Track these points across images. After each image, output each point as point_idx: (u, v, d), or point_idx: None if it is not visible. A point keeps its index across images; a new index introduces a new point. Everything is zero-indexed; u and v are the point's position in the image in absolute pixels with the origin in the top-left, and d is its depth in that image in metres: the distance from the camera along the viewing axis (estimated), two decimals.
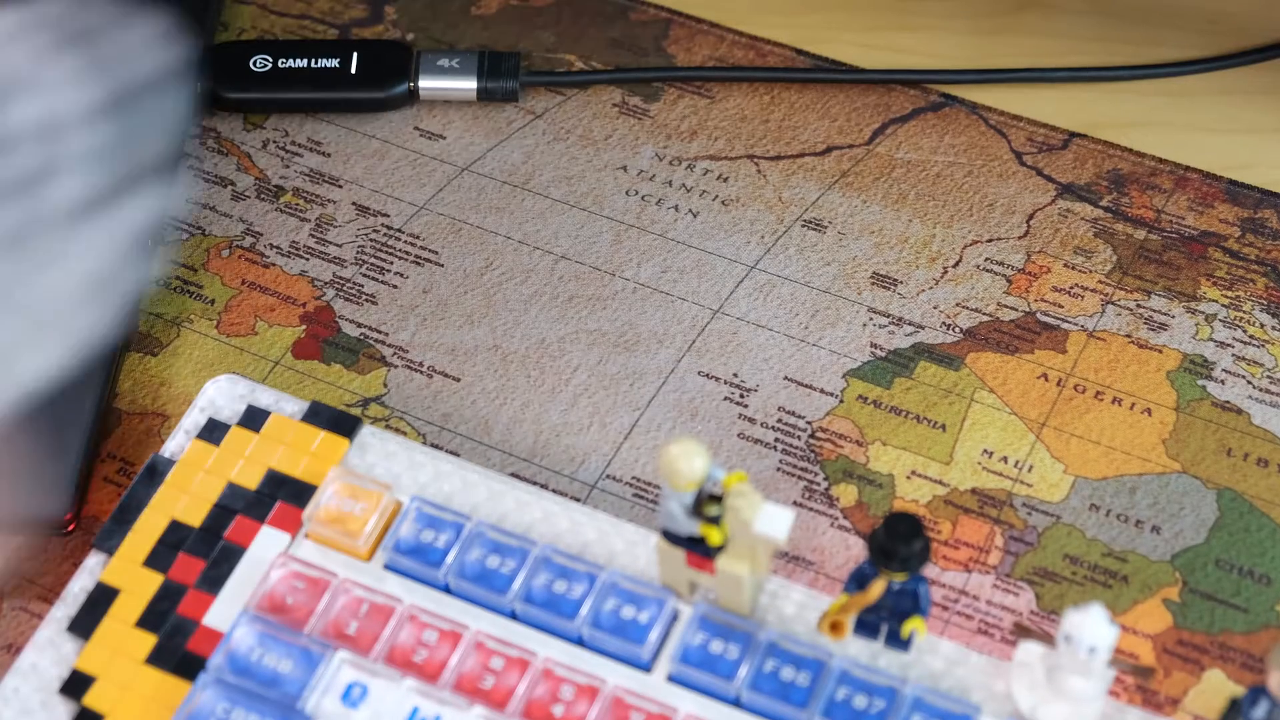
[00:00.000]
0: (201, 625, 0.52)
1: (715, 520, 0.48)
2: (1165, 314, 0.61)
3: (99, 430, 0.58)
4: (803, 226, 0.64)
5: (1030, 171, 0.65)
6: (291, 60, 0.68)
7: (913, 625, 0.49)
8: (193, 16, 0.69)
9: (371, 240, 0.64)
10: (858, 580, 0.49)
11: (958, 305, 0.62)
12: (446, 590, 0.53)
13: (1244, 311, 0.61)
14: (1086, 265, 0.63)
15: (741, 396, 0.60)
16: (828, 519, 0.57)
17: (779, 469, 0.58)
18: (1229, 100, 0.68)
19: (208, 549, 0.54)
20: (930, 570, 0.55)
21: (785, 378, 0.60)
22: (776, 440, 0.59)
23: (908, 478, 0.58)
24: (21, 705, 0.51)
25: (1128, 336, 0.61)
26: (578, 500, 0.57)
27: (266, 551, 0.53)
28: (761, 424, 0.59)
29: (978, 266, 0.63)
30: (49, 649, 0.52)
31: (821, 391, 0.60)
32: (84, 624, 0.53)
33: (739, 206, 0.65)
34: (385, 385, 0.60)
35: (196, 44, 0.68)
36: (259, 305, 0.63)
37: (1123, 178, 0.65)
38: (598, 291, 0.63)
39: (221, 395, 0.57)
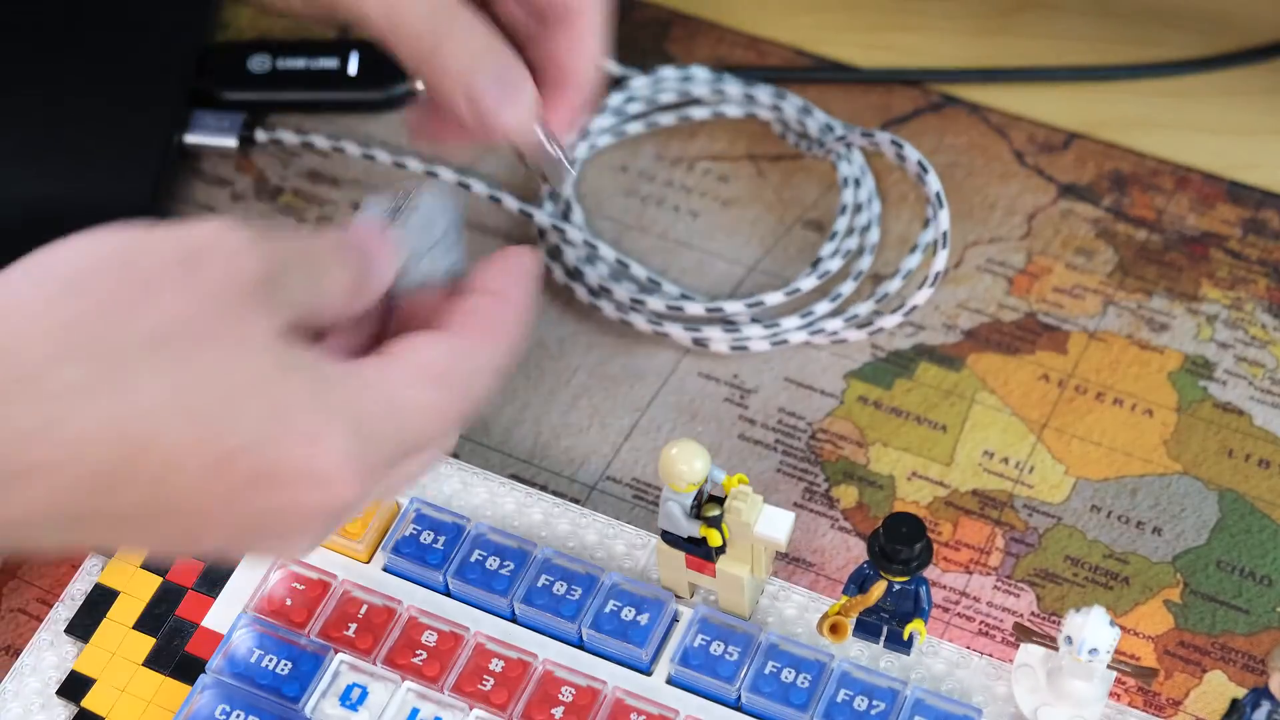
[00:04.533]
0: (201, 627, 0.52)
1: (715, 522, 0.48)
2: (1166, 315, 0.61)
3: None
4: (803, 227, 0.64)
5: (1031, 172, 0.65)
6: (290, 61, 0.68)
7: (913, 627, 0.49)
8: (191, 17, 0.69)
9: None
10: (858, 582, 0.49)
11: (958, 306, 0.62)
12: (446, 592, 0.53)
13: (1245, 312, 0.61)
14: (1087, 266, 0.63)
15: (742, 398, 0.60)
16: (828, 520, 0.57)
17: (779, 470, 0.58)
18: (1229, 100, 0.67)
19: None
20: (931, 572, 0.55)
21: (785, 379, 0.60)
22: (777, 441, 0.59)
23: (908, 479, 0.57)
24: (21, 707, 0.51)
25: (1129, 337, 0.61)
26: (577, 502, 0.57)
27: None
28: (762, 425, 0.59)
29: (978, 267, 0.63)
30: (48, 651, 0.52)
31: (822, 393, 0.60)
32: (83, 626, 0.52)
33: (739, 206, 0.65)
34: None
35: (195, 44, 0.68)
36: None
37: (1124, 178, 0.65)
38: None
39: None
